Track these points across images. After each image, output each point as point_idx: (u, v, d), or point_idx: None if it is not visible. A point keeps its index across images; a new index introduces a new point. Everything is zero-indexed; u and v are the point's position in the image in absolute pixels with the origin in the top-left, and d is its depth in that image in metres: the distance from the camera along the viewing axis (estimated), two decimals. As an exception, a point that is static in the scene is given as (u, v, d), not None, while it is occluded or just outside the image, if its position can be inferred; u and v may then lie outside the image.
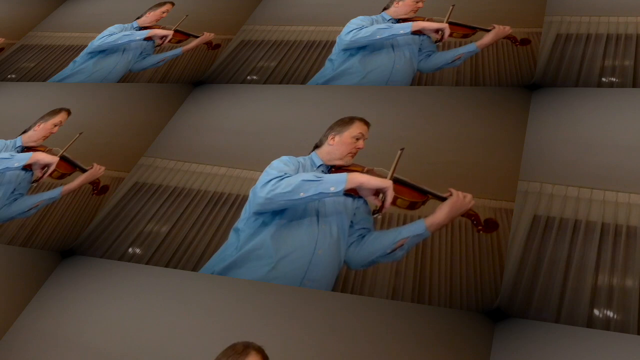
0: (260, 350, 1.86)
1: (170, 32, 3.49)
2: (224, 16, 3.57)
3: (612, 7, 2.84)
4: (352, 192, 2.20)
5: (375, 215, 2.17)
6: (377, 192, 2.17)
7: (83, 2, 4.12)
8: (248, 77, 3.05)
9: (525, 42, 2.78)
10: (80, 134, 2.90)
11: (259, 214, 2.22)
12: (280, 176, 2.22)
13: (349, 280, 2.07)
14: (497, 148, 2.34)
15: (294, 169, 2.30)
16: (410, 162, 2.39)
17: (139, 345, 2.01)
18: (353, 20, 3.10)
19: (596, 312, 1.80)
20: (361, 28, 3.00)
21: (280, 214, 2.21)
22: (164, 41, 3.44)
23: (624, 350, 1.69)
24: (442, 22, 2.97)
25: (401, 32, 2.94)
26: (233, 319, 2.02)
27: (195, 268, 2.22)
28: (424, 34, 2.96)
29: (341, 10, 3.25)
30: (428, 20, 3.02)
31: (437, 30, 2.93)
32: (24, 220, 2.57)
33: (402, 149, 2.27)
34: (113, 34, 3.60)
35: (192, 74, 3.16)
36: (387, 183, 2.17)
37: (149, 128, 2.87)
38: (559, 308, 1.82)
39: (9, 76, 3.55)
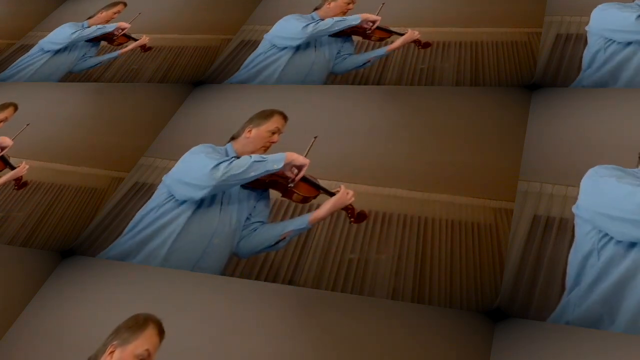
0: (158, 324, 1.94)
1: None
2: (224, 16, 3.57)
3: (612, 7, 2.84)
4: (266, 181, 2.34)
5: (289, 185, 2.33)
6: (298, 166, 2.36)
7: (83, 2, 4.12)
8: (248, 77, 3.05)
9: (426, 45, 2.92)
10: (28, 124, 3.01)
11: (181, 202, 2.36)
12: (227, 160, 2.36)
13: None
14: (497, 148, 2.34)
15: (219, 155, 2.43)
16: (410, 161, 2.39)
17: (139, 345, 2.01)
18: (285, 25, 3.19)
19: (596, 312, 1.80)
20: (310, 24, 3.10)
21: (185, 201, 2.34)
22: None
23: (624, 350, 1.69)
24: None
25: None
26: (230, 319, 2.03)
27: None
28: (348, 36, 3.05)
29: (341, 10, 3.25)
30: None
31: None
32: (24, 220, 2.57)
33: (315, 137, 2.45)
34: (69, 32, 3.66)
35: (192, 74, 3.16)
36: (307, 161, 2.37)
37: (149, 128, 2.86)
38: (559, 308, 1.82)
39: (9, 76, 3.55)
